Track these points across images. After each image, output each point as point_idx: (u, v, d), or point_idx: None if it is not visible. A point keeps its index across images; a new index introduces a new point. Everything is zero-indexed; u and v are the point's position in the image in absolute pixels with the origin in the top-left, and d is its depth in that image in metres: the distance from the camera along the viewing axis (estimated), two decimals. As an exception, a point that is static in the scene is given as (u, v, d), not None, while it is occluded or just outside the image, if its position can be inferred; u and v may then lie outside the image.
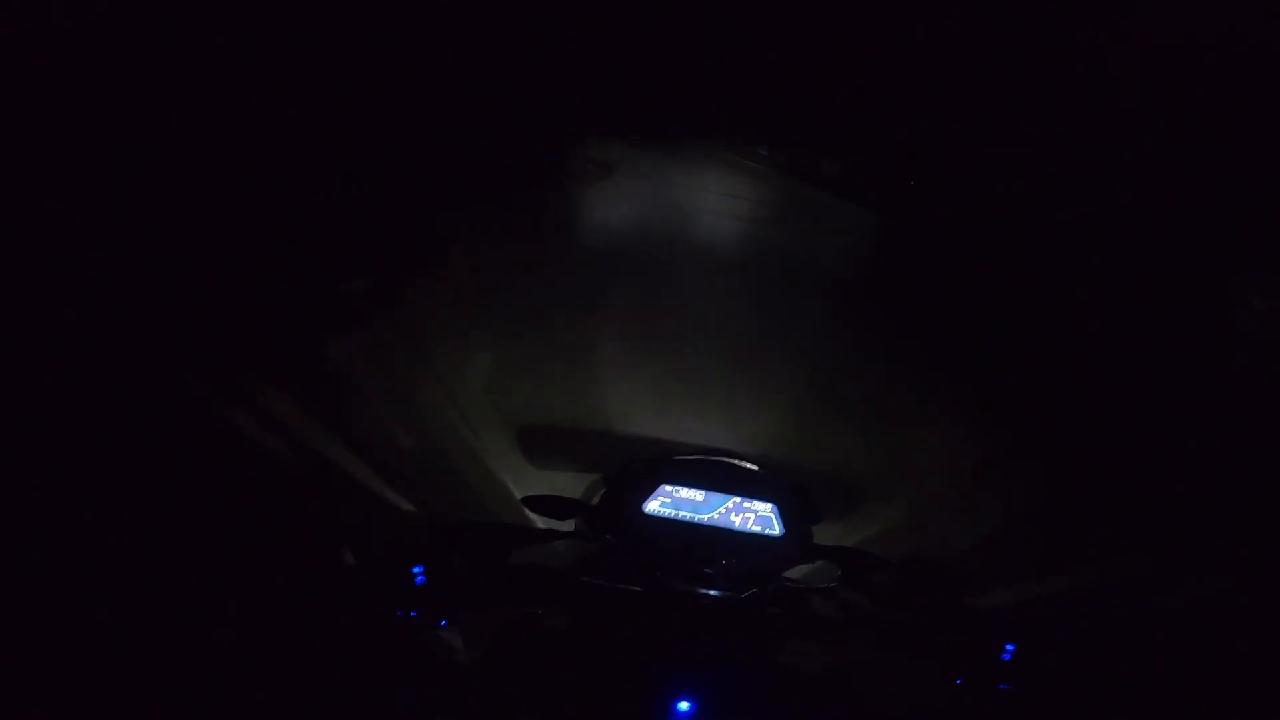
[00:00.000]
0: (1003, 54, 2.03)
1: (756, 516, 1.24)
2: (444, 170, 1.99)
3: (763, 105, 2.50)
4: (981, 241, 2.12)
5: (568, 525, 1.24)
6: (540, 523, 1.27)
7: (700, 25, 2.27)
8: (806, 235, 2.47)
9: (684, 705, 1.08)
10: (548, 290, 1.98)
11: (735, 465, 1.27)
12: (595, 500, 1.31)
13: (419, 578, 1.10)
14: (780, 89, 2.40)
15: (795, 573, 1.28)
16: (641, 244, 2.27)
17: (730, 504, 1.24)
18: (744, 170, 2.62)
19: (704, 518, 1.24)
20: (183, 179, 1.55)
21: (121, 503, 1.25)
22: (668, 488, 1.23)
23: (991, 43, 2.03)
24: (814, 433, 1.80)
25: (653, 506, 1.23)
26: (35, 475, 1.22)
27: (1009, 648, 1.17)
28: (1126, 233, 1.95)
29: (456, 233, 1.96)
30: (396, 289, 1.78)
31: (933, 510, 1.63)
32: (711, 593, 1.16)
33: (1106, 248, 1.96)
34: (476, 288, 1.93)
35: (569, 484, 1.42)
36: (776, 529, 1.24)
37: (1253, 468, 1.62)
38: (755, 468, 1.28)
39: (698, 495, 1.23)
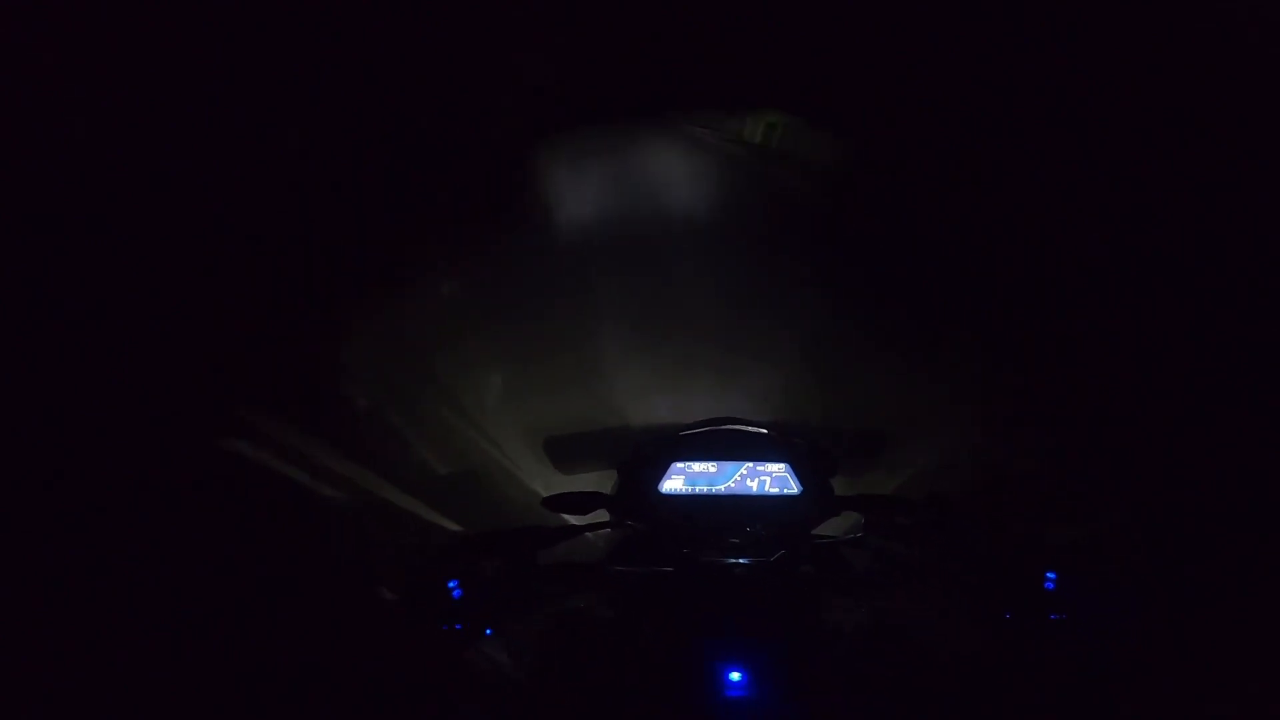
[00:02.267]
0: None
1: (773, 478, 1.23)
2: (417, 190, 2.04)
3: (714, 80, 2.48)
4: (958, 186, 2.06)
5: (592, 519, 1.26)
6: (568, 520, 1.29)
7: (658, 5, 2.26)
8: (779, 198, 2.44)
9: (735, 675, 1.09)
10: (538, 297, 2.01)
11: (742, 431, 1.27)
12: (612, 490, 1.32)
13: (455, 591, 1.13)
14: (734, 61, 2.38)
15: (826, 529, 1.27)
16: (616, 233, 2.28)
17: (744, 470, 1.24)
18: (705, 144, 2.60)
19: (720, 488, 1.24)
20: (188, 205, 1.61)
21: (157, 538, 1.34)
22: (679, 465, 1.23)
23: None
24: (820, 390, 1.78)
25: (669, 485, 1.23)
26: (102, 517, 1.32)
27: (1050, 576, 1.14)
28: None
29: (439, 254, 2.01)
30: (396, 319, 1.84)
31: (957, 455, 1.60)
32: (742, 561, 1.17)
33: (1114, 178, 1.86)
34: (469, 307, 1.98)
35: (595, 482, 1.44)
36: (794, 487, 1.23)
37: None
38: (763, 430, 1.27)
39: (710, 467, 1.24)
